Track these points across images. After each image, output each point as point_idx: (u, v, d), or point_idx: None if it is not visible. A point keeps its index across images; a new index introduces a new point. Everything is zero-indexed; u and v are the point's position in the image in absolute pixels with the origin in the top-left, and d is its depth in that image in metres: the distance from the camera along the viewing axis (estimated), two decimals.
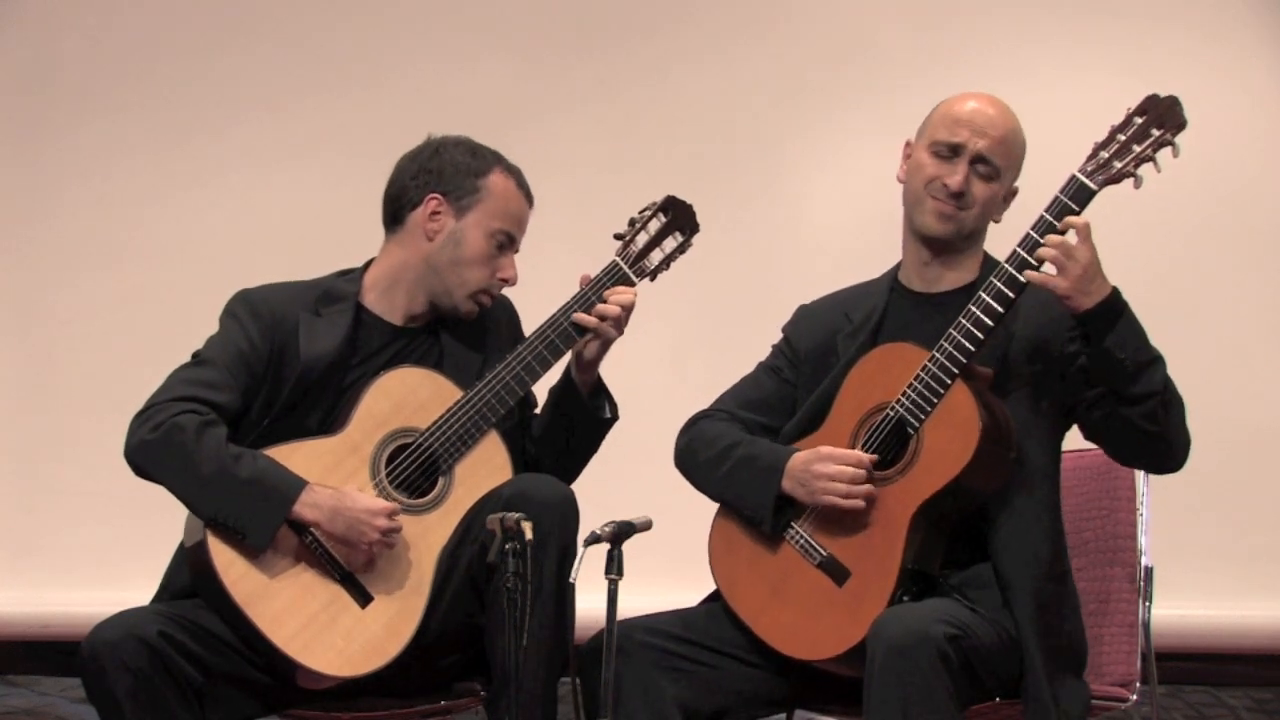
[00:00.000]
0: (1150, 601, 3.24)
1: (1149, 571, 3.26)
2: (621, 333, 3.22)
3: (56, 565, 5.13)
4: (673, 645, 3.01)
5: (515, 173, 3.28)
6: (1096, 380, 2.93)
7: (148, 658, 2.91)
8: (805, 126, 5.00)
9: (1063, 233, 2.88)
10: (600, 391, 3.28)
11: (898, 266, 3.22)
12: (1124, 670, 3.20)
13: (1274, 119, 4.75)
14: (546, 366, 3.20)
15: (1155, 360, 2.90)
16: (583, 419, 3.26)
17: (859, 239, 4.77)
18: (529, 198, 3.29)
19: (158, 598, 3.17)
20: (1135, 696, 3.18)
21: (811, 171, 5.02)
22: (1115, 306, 2.87)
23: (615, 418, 3.30)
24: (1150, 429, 2.91)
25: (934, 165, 3.08)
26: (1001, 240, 3.12)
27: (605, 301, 3.21)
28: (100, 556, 5.03)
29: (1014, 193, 3.13)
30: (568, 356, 3.24)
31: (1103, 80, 4.65)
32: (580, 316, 3.19)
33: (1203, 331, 4.68)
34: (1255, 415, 4.68)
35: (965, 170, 3.06)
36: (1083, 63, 4.78)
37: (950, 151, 3.07)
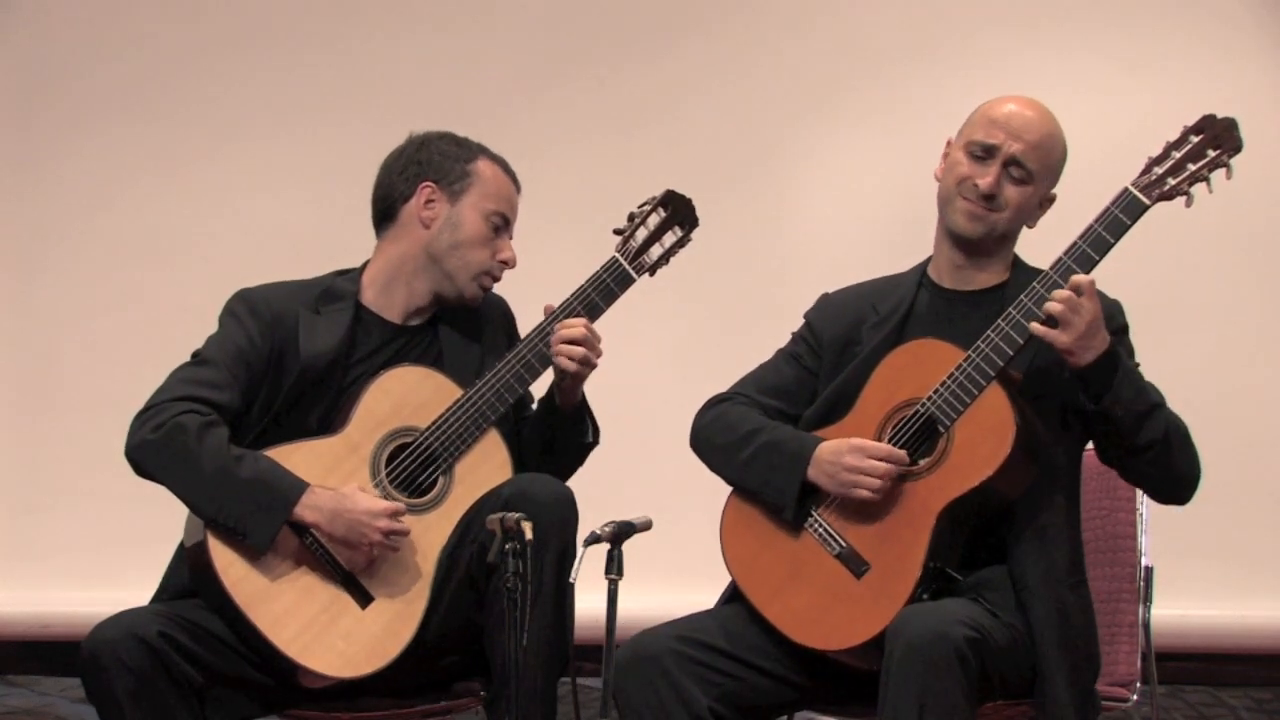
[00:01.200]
0: (1150, 601, 3.24)
1: (1149, 571, 3.26)
2: (592, 364, 3.19)
3: (56, 565, 5.13)
4: (703, 655, 2.99)
5: (500, 160, 3.31)
6: (1099, 436, 2.96)
7: (148, 658, 2.91)
8: (805, 123, 5.00)
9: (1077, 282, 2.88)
10: (583, 414, 3.28)
11: (927, 261, 3.21)
12: (1124, 670, 3.20)
13: (1275, 120, 4.75)
14: (546, 364, 3.20)
15: (1154, 408, 2.91)
16: (564, 438, 3.27)
17: (859, 236, 4.79)
18: (516, 183, 3.31)
19: (157, 597, 3.17)
20: (1135, 696, 3.18)
21: (811, 168, 5.02)
22: (1111, 364, 2.88)
23: (596, 442, 3.30)
24: (1154, 473, 2.96)
25: (968, 165, 3.07)
26: (1031, 243, 3.13)
27: (558, 342, 3.18)
28: (100, 556, 5.03)
29: (1051, 199, 3.11)
30: None
31: (1103, 81, 4.65)
32: (560, 360, 3.16)
33: (1201, 332, 4.68)
34: (1255, 415, 4.68)
35: (997, 172, 3.04)
36: (1083, 65, 4.77)
37: (985, 152, 3.06)
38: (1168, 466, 2.95)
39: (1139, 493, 3.29)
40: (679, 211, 3.33)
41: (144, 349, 4.49)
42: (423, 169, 3.27)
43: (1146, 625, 3.22)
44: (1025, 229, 3.13)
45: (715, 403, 3.23)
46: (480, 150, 3.31)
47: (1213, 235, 4.71)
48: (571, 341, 3.17)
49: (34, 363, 5.26)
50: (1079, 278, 2.88)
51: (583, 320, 3.19)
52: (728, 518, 3.13)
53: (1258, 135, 4.68)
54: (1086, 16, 4.82)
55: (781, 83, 4.97)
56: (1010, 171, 3.05)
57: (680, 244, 3.33)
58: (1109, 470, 3.28)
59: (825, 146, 5.00)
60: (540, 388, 3.31)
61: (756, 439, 3.10)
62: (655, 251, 3.30)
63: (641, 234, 3.30)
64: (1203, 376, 4.58)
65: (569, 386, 3.21)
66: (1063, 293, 2.86)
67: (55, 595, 5.07)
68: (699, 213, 3.34)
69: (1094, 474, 3.30)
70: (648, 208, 3.32)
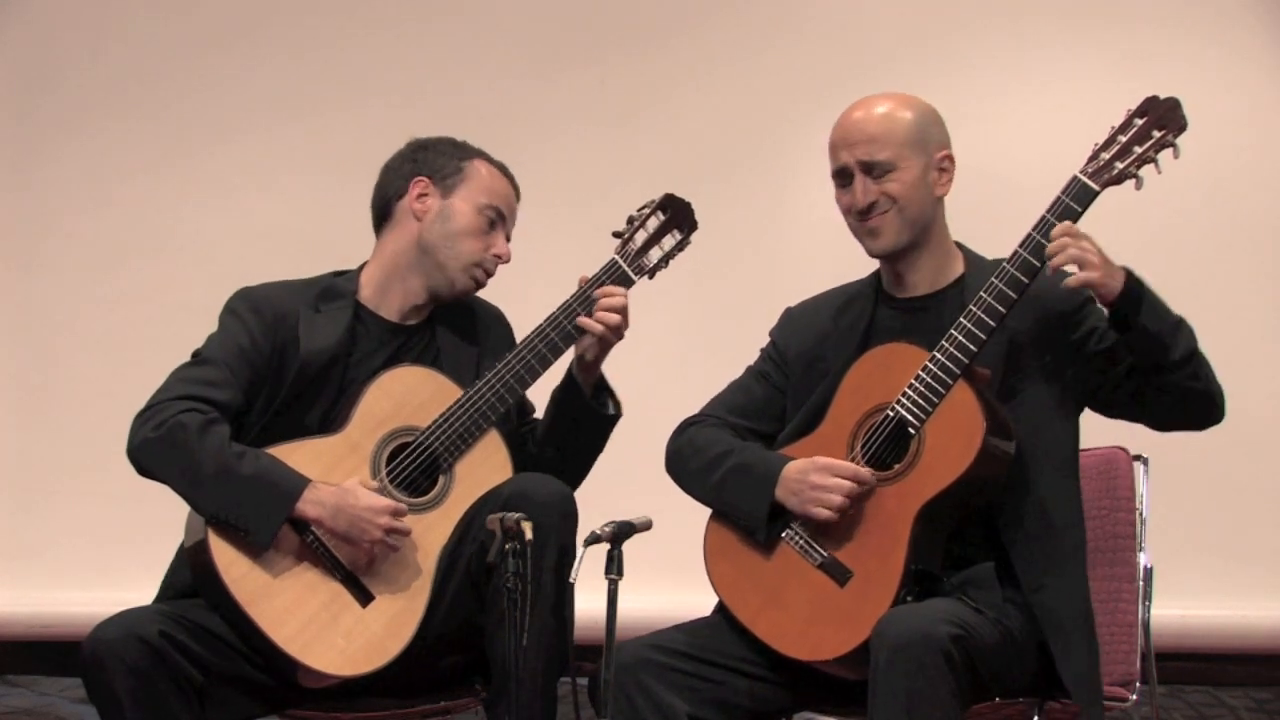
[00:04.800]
0: (1150, 601, 3.24)
1: (1149, 571, 3.26)
2: (622, 336, 3.22)
3: (56, 565, 5.13)
4: (680, 663, 3.00)
5: (499, 164, 3.33)
6: (1139, 358, 2.92)
7: (149, 657, 2.92)
8: (804, 123, 4.96)
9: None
10: (603, 389, 3.29)
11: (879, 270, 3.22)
12: (1124, 670, 3.21)
13: (1273, 119, 4.75)
14: (546, 365, 3.21)
15: (1180, 321, 2.92)
16: (586, 417, 3.26)
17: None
18: (514, 186, 3.32)
19: (160, 597, 3.17)
20: (1135, 696, 3.18)
21: (810, 168, 4.99)
22: (1137, 285, 2.89)
23: (619, 415, 3.30)
24: (1196, 387, 2.93)
25: (840, 195, 3.12)
26: (998, 234, 3.12)
27: (599, 298, 3.21)
28: (100, 556, 5.03)
29: (943, 159, 3.10)
30: (567, 356, 3.24)
31: (1101, 83, 4.65)
32: (583, 321, 3.20)
33: (1201, 332, 4.66)
34: (1255, 415, 4.66)
35: (860, 186, 3.07)
36: (1081, 65, 4.78)
37: (840, 177, 3.11)
38: (1205, 376, 2.94)
39: (1139, 493, 3.29)
40: (678, 215, 3.34)
41: (144, 348, 4.48)
42: (418, 166, 3.29)
43: (1146, 625, 3.22)
44: (947, 204, 3.11)
45: (686, 426, 3.25)
46: (478, 153, 3.32)
47: (1213, 235, 4.71)
48: (610, 309, 3.18)
49: (34, 361, 5.26)
50: (1058, 228, 2.89)
51: (624, 290, 3.21)
52: (709, 538, 3.14)
53: (1258, 134, 4.71)
54: (1086, 14, 4.82)
55: (780, 82, 4.97)
56: (871, 175, 3.07)
57: (679, 247, 3.34)
58: (1110, 470, 3.30)
59: (824, 146, 4.99)
60: (544, 391, 3.31)
61: (726, 462, 3.12)
62: (654, 255, 3.31)
63: (640, 237, 3.31)
64: None
65: (591, 362, 3.22)
66: (1063, 240, 2.87)
67: (55, 595, 5.07)
68: (698, 215, 3.35)
69: (1094, 474, 3.30)
70: (647, 211, 3.33)
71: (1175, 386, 2.93)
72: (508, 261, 3.29)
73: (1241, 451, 4.59)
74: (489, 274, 3.29)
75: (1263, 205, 4.72)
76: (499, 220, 3.28)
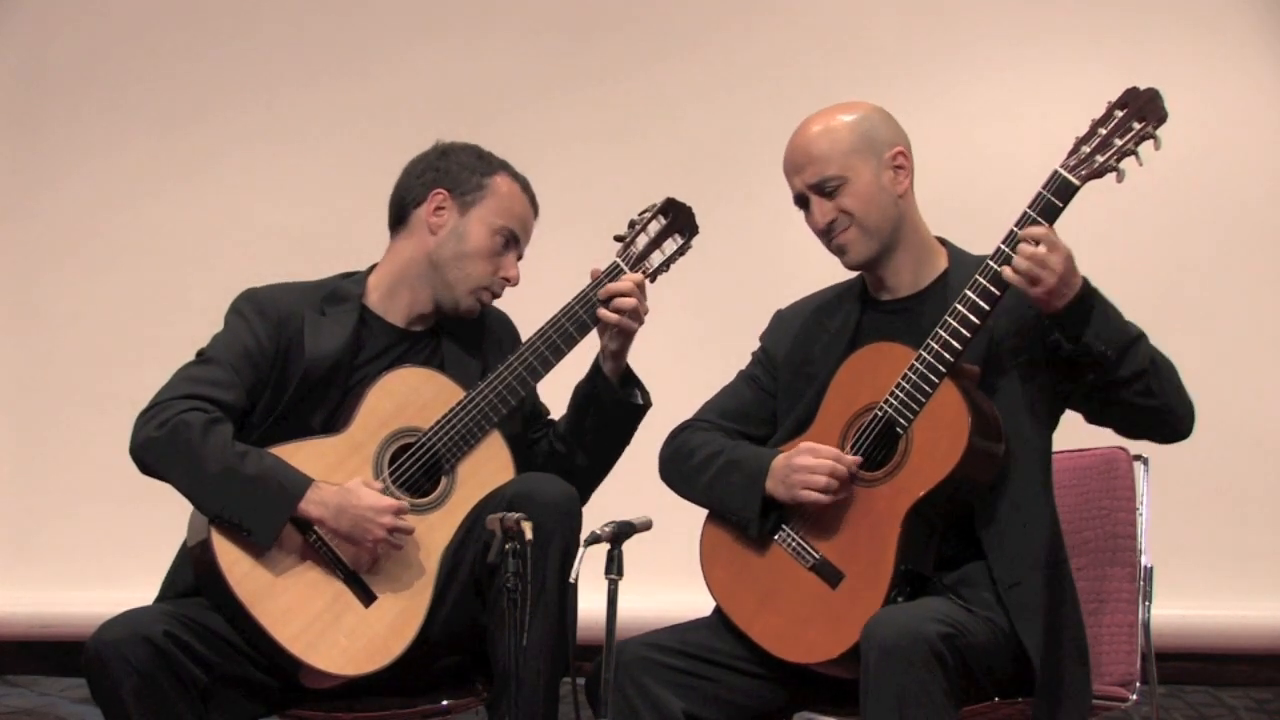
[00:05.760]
0: (1150, 601, 3.24)
1: (1149, 571, 3.26)
2: (641, 320, 3.22)
3: (57, 565, 5.14)
4: (674, 660, 3.01)
5: (521, 179, 3.32)
6: (1085, 370, 2.92)
7: (152, 657, 2.92)
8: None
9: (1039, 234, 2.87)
10: (630, 380, 3.29)
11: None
12: (1124, 670, 3.21)
13: (1272, 113, 4.75)
14: (548, 367, 3.21)
15: (1136, 339, 2.90)
16: (614, 407, 3.26)
17: None
18: (534, 204, 3.32)
19: (161, 596, 3.17)
20: (1135, 696, 3.18)
21: None
22: (1086, 302, 2.87)
23: (648, 404, 3.30)
24: (1149, 404, 2.91)
25: (806, 219, 3.14)
26: (954, 224, 3.13)
27: (606, 298, 3.21)
28: (101, 556, 5.03)
29: (896, 157, 3.10)
30: (570, 358, 3.24)
31: (1097, 75, 4.65)
32: (601, 313, 3.20)
33: (1202, 330, 4.68)
34: (1256, 415, 4.68)
35: (818, 208, 3.09)
36: (1076, 57, 4.78)
37: (799, 202, 3.13)
38: (1160, 393, 2.91)
39: (1139, 493, 3.29)
40: (679, 219, 3.35)
41: (146, 348, 4.50)
42: (439, 176, 3.28)
43: (1146, 625, 3.22)
44: (915, 204, 3.12)
45: (678, 431, 3.25)
46: (501, 166, 3.31)
47: (1213, 235, 4.71)
48: (620, 295, 3.19)
49: (36, 362, 5.27)
50: (1032, 230, 2.86)
51: (633, 276, 3.22)
52: (705, 542, 3.14)
53: (1255, 129, 4.72)
54: (1086, 21, 4.82)
55: (781, 87, 4.97)
56: (824, 194, 3.08)
57: (681, 251, 3.34)
58: (1110, 470, 3.30)
59: None
60: (549, 394, 3.31)
61: (717, 461, 3.12)
62: (656, 258, 3.32)
63: (642, 240, 3.31)
64: (1202, 377, 4.56)
65: (616, 350, 3.23)
66: (1026, 248, 2.85)
67: (56, 595, 5.08)
68: (700, 218, 3.36)
69: (1094, 474, 3.30)
70: (648, 215, 3.33)
71: (1126, 401, 2.92)
72: (515, 284, 3.29)
73: (1241, 451, 4.60)
74: (495, 296, 3.30)
75: (1263, 204, 4.72)
76: (512, 242, 3.28)
